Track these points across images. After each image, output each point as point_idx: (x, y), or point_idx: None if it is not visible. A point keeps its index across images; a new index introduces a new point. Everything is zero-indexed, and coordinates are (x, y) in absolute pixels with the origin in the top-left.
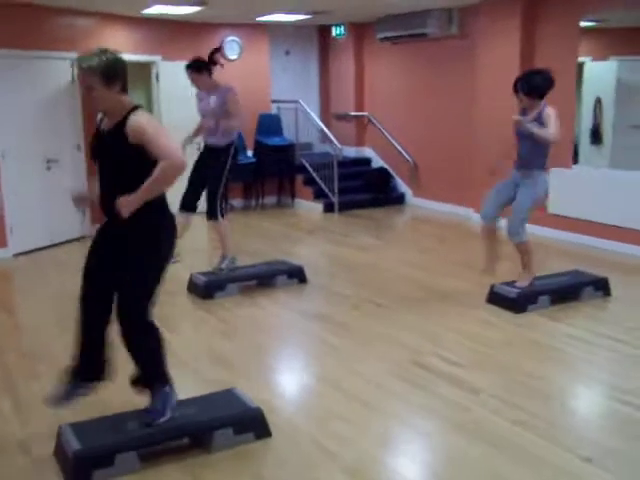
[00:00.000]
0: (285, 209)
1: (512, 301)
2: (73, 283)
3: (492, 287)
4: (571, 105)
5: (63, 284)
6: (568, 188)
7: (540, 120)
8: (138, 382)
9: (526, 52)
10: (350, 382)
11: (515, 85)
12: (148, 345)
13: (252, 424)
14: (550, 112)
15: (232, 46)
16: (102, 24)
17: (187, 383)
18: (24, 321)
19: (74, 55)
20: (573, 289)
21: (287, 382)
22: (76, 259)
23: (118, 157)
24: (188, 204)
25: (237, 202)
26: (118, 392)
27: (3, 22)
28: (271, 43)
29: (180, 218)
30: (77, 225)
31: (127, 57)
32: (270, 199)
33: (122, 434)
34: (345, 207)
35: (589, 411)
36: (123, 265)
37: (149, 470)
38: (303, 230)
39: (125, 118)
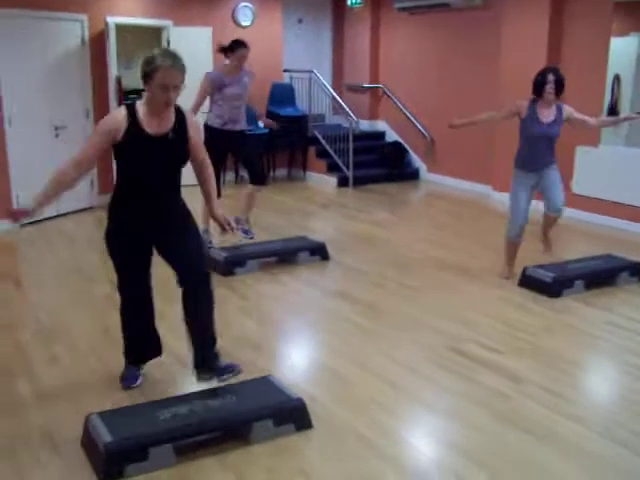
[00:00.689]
0: (297, 182)
1: (547, 285)
2: (81, 255)
3: (524, 270)
4: (602, 83)
5: (72, 256)
6: (594, 167)
7: (562, 118)
8: (204, 362)
9: (555, 26)
10: (387, 368)
11: (549, 76)
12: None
13: (293, 415)
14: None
15: (245, 12)
16: None
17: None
18: (34, 296)
19: (84, 17)
20: (608, 274)
21: (321, 368)
22: (83, 230)
23: (182, 155)
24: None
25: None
26: (144, 380)
27: None
28: (284, 10)
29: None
30: (85, 195)
31: (137, 21)
32: (280, 171)
33: (155, 425)
34: (359, 182)
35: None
36: (186, 238)
37: (185, 464)
38: (317, 204)
39: (181, 115)
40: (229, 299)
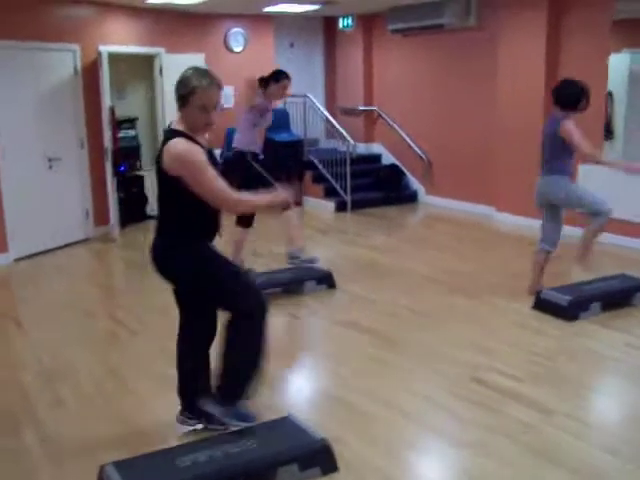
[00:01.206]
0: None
1: (563, 308)
2: (78, 289)
3: (539, 293)
4: (601, 100)
5: (69, 291)
6: (598, 185)
7: None
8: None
9: (552, 44)
10: (411, 404)
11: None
12: None
13: (318, 458)
14: None
15: (237, 38)
16: (104, 14)
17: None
18: (35, 334)
19: (76, 47)
20: (624, 294)
21: (341, 405)
22: (79, 263)
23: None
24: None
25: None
26: (157, 424)
27: (3, 12)
28: (275, 35)
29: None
30: (80, 227)
31: (130, 50)
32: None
33: (174, 474)
34: (356, 206)
35: None
36: None
37: None
38: (316, 229)
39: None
40: None
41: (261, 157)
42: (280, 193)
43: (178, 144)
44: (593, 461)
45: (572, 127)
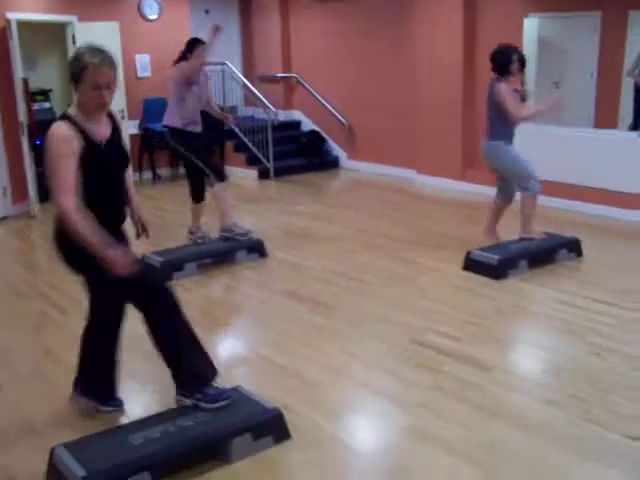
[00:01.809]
0: None
1: (493, 267)
2: (3, 269)
3: (468, 254)
4: None
5: None
6: (516, 146)
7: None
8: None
9: (469, 8)
10: (352, 367)
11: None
12: None
13: (270, 427)
14: None
15: (151, 5)
16: None
17: None
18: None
19: None
20: (548, 252)
21: (285, 373)
22: (0, 242)
23: (127, 155)
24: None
25: (163, 171)
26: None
27: None
28: (190, 2)
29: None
30: None
31: (41, 17)
32: None
33: (129, 452)
34: (280, 173)
35: (613, 383)
36: None
37: None
38: (242, 199)
39: (111, 116)
40: None
41: (191, 134)
42: (120, 256)
43: (53, 127)
44: (534, 413)
45: (504, 92)
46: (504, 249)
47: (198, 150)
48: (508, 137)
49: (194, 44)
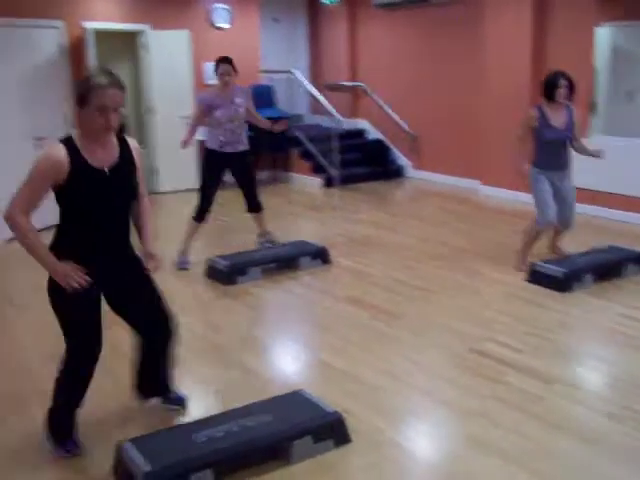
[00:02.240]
0: (281, 184)
1: (558, 280)
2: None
3: (533, 266)
4: (589, 75)
5: None
6: (583, 158)
7: (573, 120)
8: (151, 388)
9: (539, 18)
10: (414, 375)
11: (561, 80)
12: None
13: (331, 430)
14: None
15: (221, 14)
16: None
17: (243, 383)
18: (35, 318)
19: (60, 23)
20: (615, 266)
21: (348, 378)
22: None
23: (133, 187)
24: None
25: (229, 178)
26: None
27: None
28: (260, 10)
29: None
30: None
31: (115, 26)
32: (264, 174)
33: (193, 449)
34: (344, 181)
35: None
36: (145, 281)
37: None
38: (307, 206)
39: (124, 143)
40: (236, 310)
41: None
42: (64, 271)
43: (49, 147)
44: (593, 425)
45: (526, 115)
46: (570, 262)
47: (209, 176)
48: (540, 164)
49: (217, 64)
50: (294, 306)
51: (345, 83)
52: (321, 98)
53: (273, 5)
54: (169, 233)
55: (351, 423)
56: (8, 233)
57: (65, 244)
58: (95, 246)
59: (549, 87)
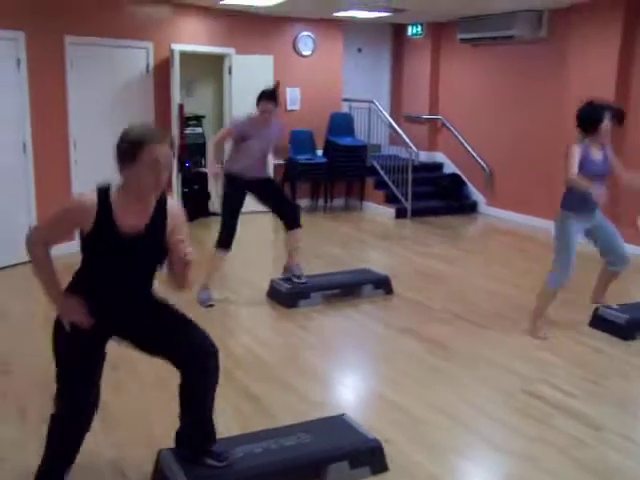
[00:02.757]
0: (354, 212)
1: (620, 327)
2: None
3: (596, 310)
4: None
5: None
6: None
7: (609, 154)
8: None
9: (625, 59)
10: (462, 411)
11: (606, 114)
12: None
13: (369, 457)
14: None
15: (306, 42)
16: (178, 14)
17: (289, 403)
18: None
19: (150, 45)
20: None
21: (393, 408)
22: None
23: (160, 251)
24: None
25: (303, 202)
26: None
27: (79, 10)
28: (344, 40)
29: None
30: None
31: (201, 49)
32: (338, 201)
33: (230, 464)
34: (417, 213)
35: None
36: (175, 321)
37: None
38: (377, 236)
39: (161, 201)
40: (294, 333)
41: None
42: (67, 304)
43: (85, 193)
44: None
45: (573, 151)
46: (635, 309)
47: (233, 202)
48: (575, 208)
49: (259, 98)
50: (350, 333)
51: (424, 116)
52: (398, 129)
53: (358, 35)
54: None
55: (392, 453)
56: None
57: (80, 290)
58: (109, 300)
59: (593, 121)
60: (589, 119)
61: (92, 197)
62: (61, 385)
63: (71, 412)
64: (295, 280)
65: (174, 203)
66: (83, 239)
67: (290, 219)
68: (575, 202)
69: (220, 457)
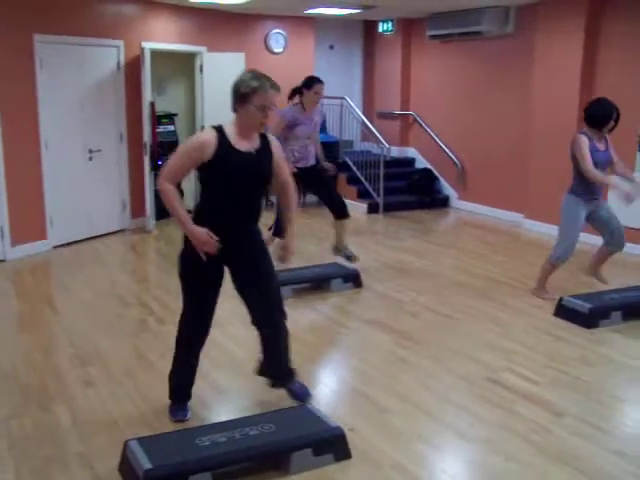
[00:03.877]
0: (326, 208)
1: (583, 316)
2: (113, 278)
3: (560, 300)
4: (638, 113)
5: (104, 279)
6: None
7: (609, 145)
8: (275, 373)
9: (589, 54)
10: (426, 400)
11: (614, 113)
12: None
13: (332, 445)
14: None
15: (277, 39)
16: (148, 12)
17: (257, 395)
18: (69, 320)
19: (120, 43)
20: None
21: (359, 397)
22: (115, 252)
23: (268, 172)
24: None
25: (276, 199)
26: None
27: (50, 8)
28: (315, 37)
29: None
30: (117, 218)
31: (172, 47)
32: (311, 197)
33: (195, 453)
34: (389, 208)
35: None
36: (264, 264)
37: None
38: (349, 231)
39: (264, 137)
40: None
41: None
42: (200, 234)
43: (200, 132)
44: (598, 461)
45: (582, 143)
46: (598, 298)
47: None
48: (581, 193)
49: (312, 82)
50: (319, 325)
51: (396, 112)
52: (370, 125)
53: (329, 32)
54: None
55: (356, 441)
56: (57, 240)
57: (203, 221)
58: (228, 222)
59: (601, 119)
60: (598, 116)
61: (210, 132)
62: (187, 303)
63: (187, 331)
64: (347, 257)
65: (273, 138)
66: (204, 169)
67: (339, 210)
68: (584, 189)
69: (299, 397)
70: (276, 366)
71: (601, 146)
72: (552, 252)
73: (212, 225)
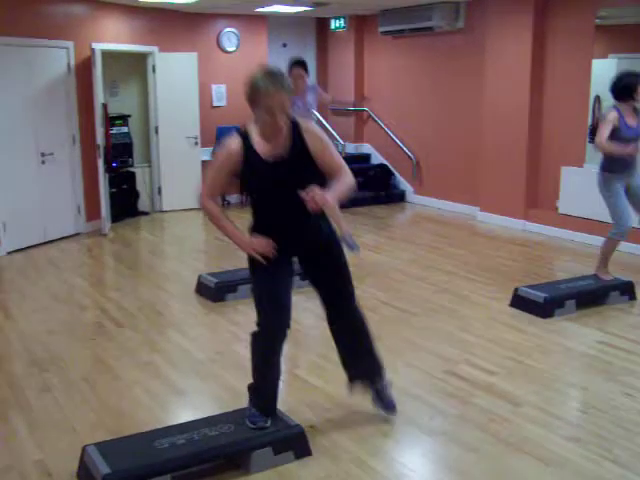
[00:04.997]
0: None
1: (539, 305)
2: (69, 282)
3: (516, 290)
4: (585, 103)
5: (60, 284)
6: (580, 187)
7: None
8: (362, 377)
9: (538, 49)
10: None
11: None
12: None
13: (292, 443)
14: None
15: (229, 37)
16: (98, 12)
17: (216, 396)
18: (24, 325)
19: (70, 44)
20: (599, 293)
21: (318, 394)
22: (70, 256)
23: (308, 173)
24: None
25: (233, 198)
26: (138, 409)
27: None
28: (268, 35)
29: None
30: (72, 221)
31: (123, 47)
32: None
33: (153, 455)
34: (345, 204)
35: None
36: (336, 267)
37: None
38: None
39: (296, 129)
40: (220, 325)
41: None
42: (247, 241)
43: (228, 139)
44: (556, 449)
45: (608, 117)
46: (553, 288)
47: None
48: (613, 169)
49: (290, 68)
50: None
51: (350, 108)
52: (324, 122)
53: (282, 30)
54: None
55: (316, 438)
56: (10, 246)
57: (257, 227)
58: (273, 225)
59: (627, 89)
60: (624, 87)
61: (235, 140)
62: (259, 308)
63: (266, 330)
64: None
65: (309, 127)
66: (242, 179)
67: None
68: (613, 164)
69: (386, 405)
70: (356, 363)
71: (632, 122)
72: (611, 230)
73: (263, 229)
